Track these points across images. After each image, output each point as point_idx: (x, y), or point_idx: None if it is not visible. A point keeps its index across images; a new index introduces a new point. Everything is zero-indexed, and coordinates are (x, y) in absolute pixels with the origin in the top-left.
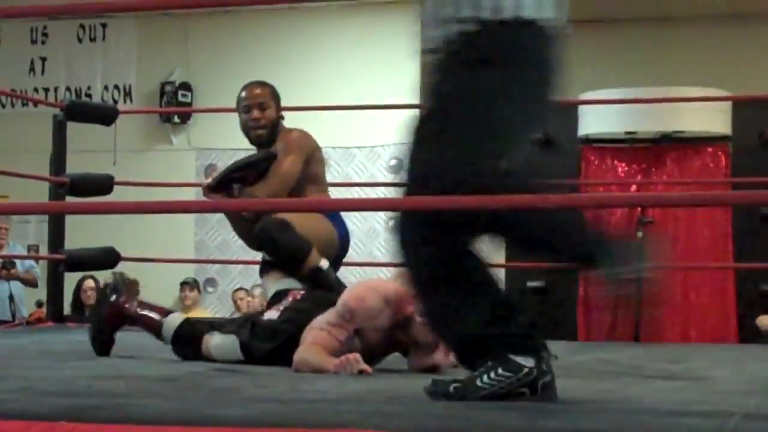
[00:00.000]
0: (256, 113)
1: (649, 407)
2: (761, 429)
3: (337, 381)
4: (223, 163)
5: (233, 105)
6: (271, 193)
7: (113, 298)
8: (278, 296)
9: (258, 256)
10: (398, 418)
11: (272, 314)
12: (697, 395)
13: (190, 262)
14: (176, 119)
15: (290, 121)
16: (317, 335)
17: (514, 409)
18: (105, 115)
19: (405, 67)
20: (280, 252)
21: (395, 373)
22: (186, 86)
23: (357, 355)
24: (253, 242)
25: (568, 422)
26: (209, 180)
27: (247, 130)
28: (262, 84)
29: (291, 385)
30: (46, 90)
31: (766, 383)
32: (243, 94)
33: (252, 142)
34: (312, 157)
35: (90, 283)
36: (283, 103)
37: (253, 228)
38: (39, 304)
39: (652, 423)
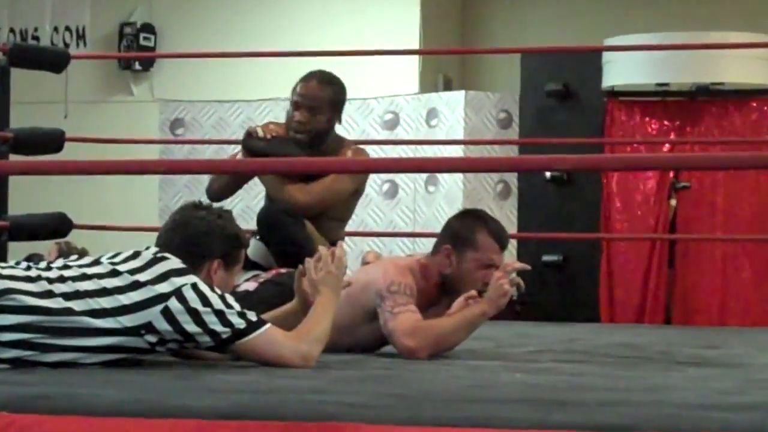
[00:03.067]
0: (302, 115)
1: (679, 398)
2: None
3: (319, 367)
4: (192, 116)
5: (203, 49)
6: (309, 200)
7: None
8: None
9: None
10: (389, 410)
11: (249, 285)
12: (735, 385)
13: (152, 230)
14: (137, 66)
15: (270, 68)
16: (412, 318)
17: (526, 401)
18: (54, 61)
19: (402, 8)
20: (286, 241)
21: (384, 358)
22: (148, 28)
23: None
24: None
25: (585, 416)
26: (259, 131)
27: (288, 128)
28: (326, 82)
29: (268, 372)
30: None
31: None
32: (298, 86)
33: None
34: (358, 189)
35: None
36: (262, 47)
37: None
38: None
39: (682, 416)
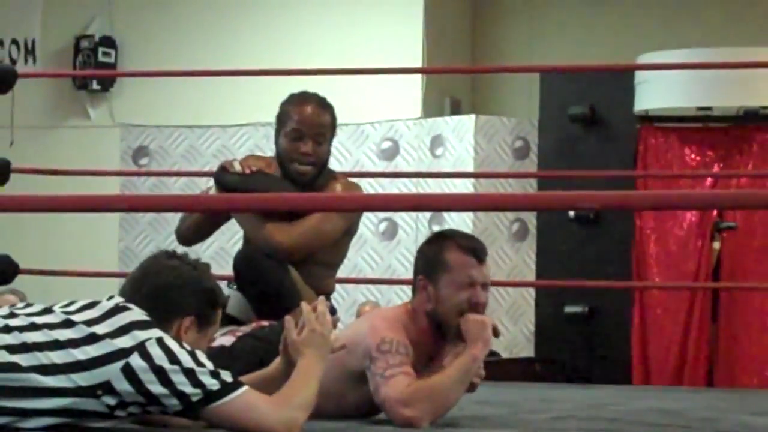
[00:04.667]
0: (308, 147)
1: None
2: None
3: None
4: (158, 144)
5: (171, 67)
6: (292, 243)
7: None
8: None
9: None
10: None
11: (224, 340)
12: None
13: (112, 276)
14: (95, 85)
15: (249, 89)
16: (406, 381)
17: None
18: None
19: (403, 21)
20: (266, 289)
21: (379, 426)
22: (108, 42)
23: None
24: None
25: None
26: (236, 166)
27: (289, 161)
28: (323, 105)
29: None
30: None
31: None
32: (295, 114)
33: (289, 175)
34: (351, 229)
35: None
36: (240, 65)
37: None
38: None
39: None
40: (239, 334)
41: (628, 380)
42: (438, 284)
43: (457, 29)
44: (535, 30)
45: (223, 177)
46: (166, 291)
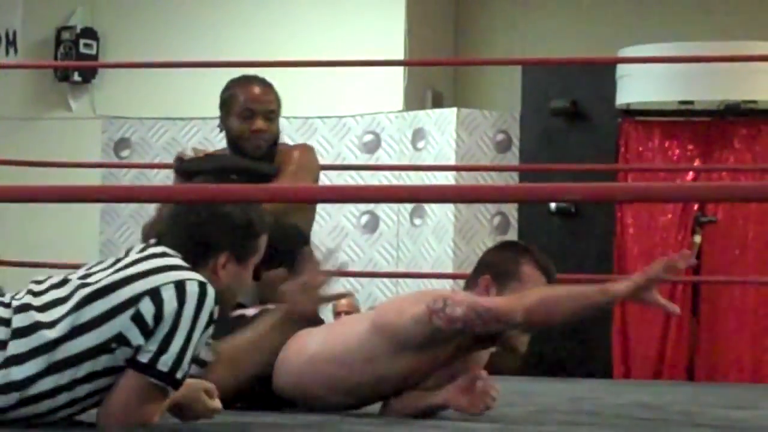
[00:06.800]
0: (261, 124)
1: None
2: None
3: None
4: (139, 136)
5: (153, 58)
6: (274, 209)
7: None
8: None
9: None
10: None
11: (248, 311)
12: None
13: None
14: (76, 77)
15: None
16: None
17: None
18: None
19: (384, 14)
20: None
21: (366, 418)
22: (90, 33)
23: None
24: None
25: None
26: (189, 152)
27: (243, 140)
28: (268, 85)
29: (242, 429)
30: None
31: None
32: (242, 95)
33: (244, 151)
34: (316, 182)
35: None
36: (222, 57)
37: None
38: None
39: None
40: (263, 308)
41: (609, 374)
42: (504, 291)
43: (439, 21)
44: (517, 23)
45: (185, 165)
46: (195, 231)
